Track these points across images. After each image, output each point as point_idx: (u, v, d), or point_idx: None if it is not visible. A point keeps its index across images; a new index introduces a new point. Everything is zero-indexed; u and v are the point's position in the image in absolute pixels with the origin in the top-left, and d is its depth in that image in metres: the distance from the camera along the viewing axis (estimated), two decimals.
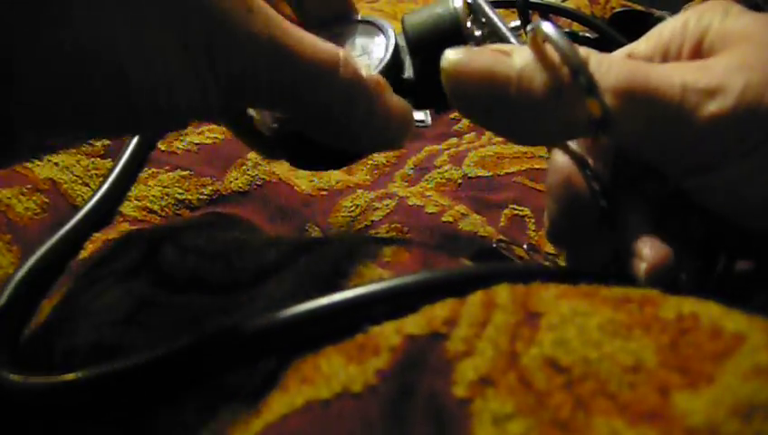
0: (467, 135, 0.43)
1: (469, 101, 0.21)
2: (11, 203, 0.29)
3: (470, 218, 0.33)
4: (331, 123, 0.23)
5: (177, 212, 0.34)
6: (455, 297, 0.18)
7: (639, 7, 0.65)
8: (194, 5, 0.18)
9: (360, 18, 0.27)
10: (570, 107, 0.19)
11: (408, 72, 0.26)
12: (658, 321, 0.15)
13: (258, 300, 0.22)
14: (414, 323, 0.17)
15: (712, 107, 0.19)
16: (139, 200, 0.33)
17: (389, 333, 0.17)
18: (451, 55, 0.21)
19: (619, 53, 0.23)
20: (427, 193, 0.35)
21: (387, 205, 0.34)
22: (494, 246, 0.31)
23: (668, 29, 0.23)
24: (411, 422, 0.16)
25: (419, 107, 0.26)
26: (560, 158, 0.23)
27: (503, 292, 0.17)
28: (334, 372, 0.17)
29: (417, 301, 0.18)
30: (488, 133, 0.42)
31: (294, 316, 0.18)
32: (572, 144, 0.23)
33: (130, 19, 0.17)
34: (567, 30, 0.60)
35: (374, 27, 0.27)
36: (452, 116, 0.44)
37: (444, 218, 0.33)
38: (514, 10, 0.62)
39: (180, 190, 0.34)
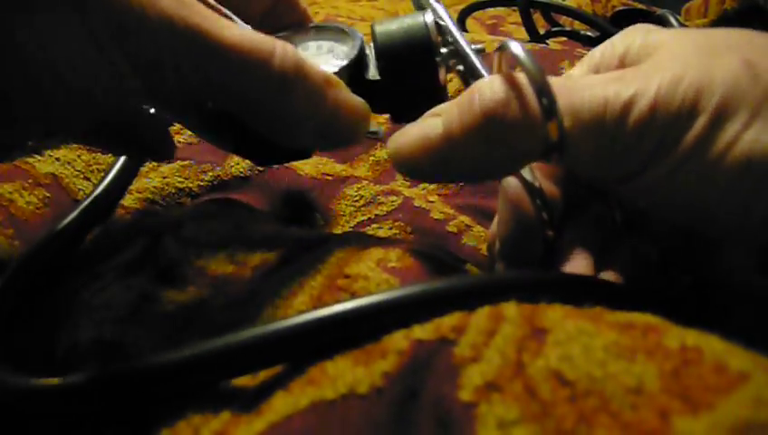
0: None
1: (422, 170, 0.22)
2: (13, 198, 0.29)
3: (473, 232, 0.33)
4: (267, 115, 0.22)
5: (179, 201, 0.33)
6: (462, 310, 0.18)
7: (641, 6, 0.65)
8: None
9: (330, 24, 0.28)
10: (530, 132, 0.19)
11: (373, 74, 0.26)
12: (662, 348, 0.15)
13: (260, 295, 0.22)
14: (422, 329, 0.18)
15: (632, 116, 0.19)
16: (139, 193, 0.33)
17: (398, 337, 0.18)
18: (392, 143, 0.22)
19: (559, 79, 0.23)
20: (430, 198, 0.35)
21: (392, 201, 0.34)
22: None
23: (599, 51, 0.24)
24: (416, 425, 0.16)
25: (378, 110, 0.26)
26: (512, 183, 0.24)
27: (510, 307, 0.18)
28: (340, 373, 0.17)
29: (430, 310, 0.18)
30: None
31: (303, 325, 0.18)
32: (525, 172, 0.23)
33: (32, 10, 0.17)
34: (569, 29, 0.60)
35: (343, 32, 0.27)
36: None
37: (448, 228, 0.33)
38: (515, 9, 0.62)
39: (180, 179, 0.34)
